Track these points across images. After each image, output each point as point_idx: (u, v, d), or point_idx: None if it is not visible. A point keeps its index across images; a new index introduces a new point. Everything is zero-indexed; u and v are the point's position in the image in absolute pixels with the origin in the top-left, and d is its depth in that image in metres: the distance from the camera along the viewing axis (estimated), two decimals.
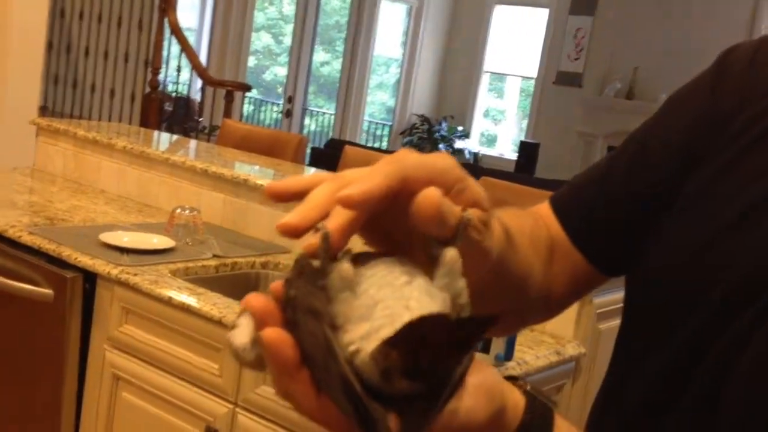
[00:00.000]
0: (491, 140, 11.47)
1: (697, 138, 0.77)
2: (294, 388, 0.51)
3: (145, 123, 6.02)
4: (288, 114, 10.30)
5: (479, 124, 11.38)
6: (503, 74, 11.37)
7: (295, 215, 0.52)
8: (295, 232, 0.52)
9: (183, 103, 7.90)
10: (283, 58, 10.85)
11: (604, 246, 0.84)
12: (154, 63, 6.16)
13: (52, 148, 3.30)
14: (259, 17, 10.58)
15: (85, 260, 2.17)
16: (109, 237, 2.32)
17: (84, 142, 3.19)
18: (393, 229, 0.57)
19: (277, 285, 0.53)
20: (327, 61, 11.20)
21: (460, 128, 10.99)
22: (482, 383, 0.55)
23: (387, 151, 6.90)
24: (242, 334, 0.54)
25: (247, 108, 10.26)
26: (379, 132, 11.40)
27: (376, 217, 0.54)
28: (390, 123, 11.35)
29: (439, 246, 0.53)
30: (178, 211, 2.52)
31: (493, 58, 11.09)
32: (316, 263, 0.51)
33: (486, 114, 11.46)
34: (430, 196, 0.52)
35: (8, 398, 2.39)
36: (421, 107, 11.23)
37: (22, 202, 2.75)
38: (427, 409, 0.49)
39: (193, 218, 2.51)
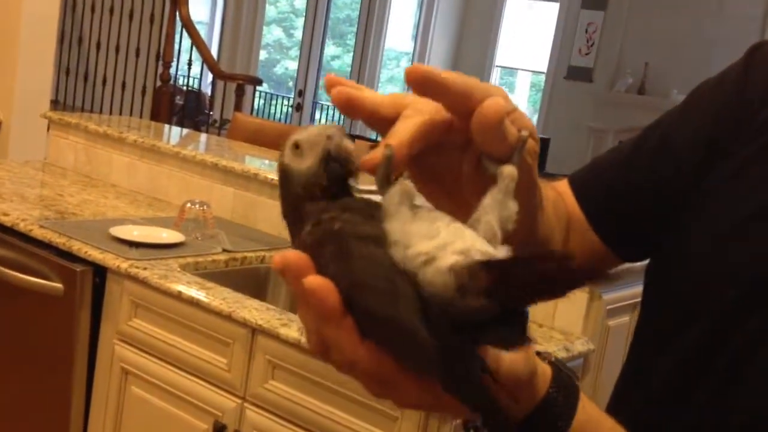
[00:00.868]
0: None
1: (722, 131, 0.77)
2: (337, 336, 0.51)
3: (155, 116, 6.02)
4: (298, 108, 10.31)
5: None
6: (514, 68, 11.34)
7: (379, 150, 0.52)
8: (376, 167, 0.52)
9: (194, 96, 7.92)
10: (294, 52, 10.85)
11: (620, 231, 0.84)
12: (165, 56, 6.16)
13: (63, 142, 3.31)
14: (270, 11, 10.59)
15: (95, 254, 2.17)
16: (119, 231, 2.33)
17: (95, 136, 3.20)
18: (443, 168, 0.57)
19: (304, 237, 0.53)
20: (338, 55, 11.19)
21: None
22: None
23: None
24: None
25: (258, 102, 10.27)
26: None
27: (430, 152, 0.54)
28: None
29: (496, 164, 0.53)
30: (188, 205, 2.52)
31: (504, 53, 11.06)
32: (359, 201, 0.53)
33: None
34: (495, 103, 0.51)
35: (17, 391, 2.40)
36: None
37: (33, 196, 2.76)
38: (505, 337, 0.49)
39: (203, 212, 2.51)
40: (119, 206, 2.80)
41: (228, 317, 1.93)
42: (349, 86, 0.54)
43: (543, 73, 10.65)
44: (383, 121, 0.55)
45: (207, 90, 8.15)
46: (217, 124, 6.98)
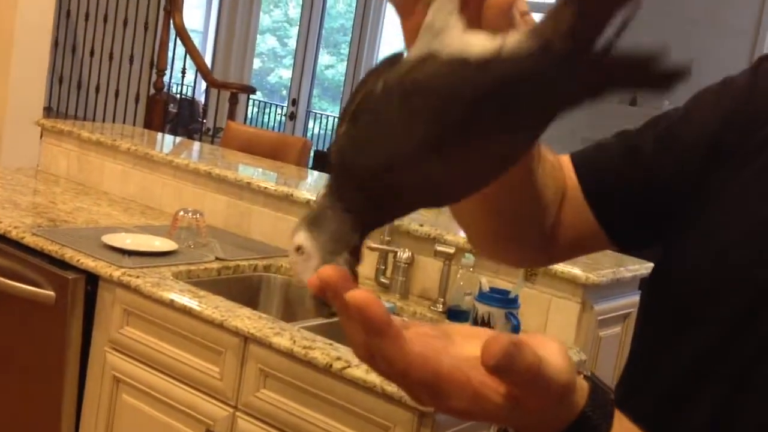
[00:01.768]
0: None
1: (729, 134, 0.78)
2: (386, 347, 0.50)
3: (149, 124, 6.03)
4: (292, 117, 10.31)
5: None
6: None
7: None
8: None
9: (187, 104, 7.92)
10: (288, 61, 10.86)
11: (620, 218, 0.85)
12: (159, 64, 6.16)
13: (56, 149, 3.31)
14: (264, 20, 10.60)
15: (87, 262, 2.17)
16: (111, 239, 2.33)
17: (88, 144, 3.20)
18: None
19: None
20: (332, 65, 11.20)
21: None
22: (564, 349, 0.55)
23: None
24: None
25: (252, 110, 10.26)
26: None
27: None
28: None
29: None
30: (181, 213, 2.53)
31: None
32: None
33: None
34: None
35: (8, 399, 2.39)
36: None
37: (26, 203, 2.76)
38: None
39: (195, 221, 2.51)
40: (112, 214, 2.80)
41: (220, 326, 1.92)
42: None
43: None
44: None
45: (200, 98, 8.15)
46: (210, 133, 6.98)
